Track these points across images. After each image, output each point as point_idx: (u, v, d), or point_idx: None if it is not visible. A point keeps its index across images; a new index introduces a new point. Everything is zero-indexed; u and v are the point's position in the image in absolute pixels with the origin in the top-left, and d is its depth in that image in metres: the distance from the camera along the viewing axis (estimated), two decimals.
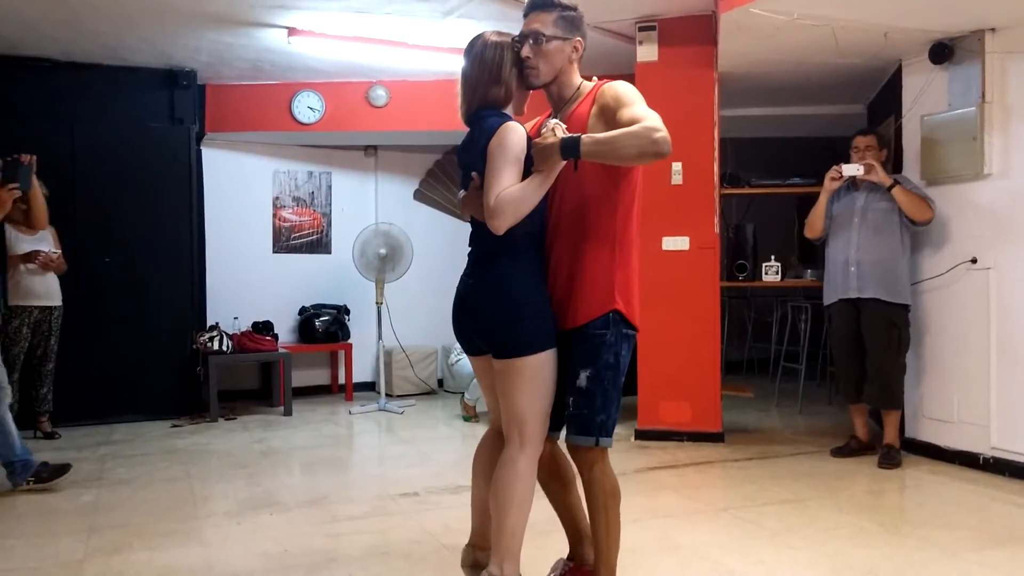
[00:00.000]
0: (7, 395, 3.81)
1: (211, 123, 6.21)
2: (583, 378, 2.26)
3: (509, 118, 2.29)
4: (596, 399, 2.26)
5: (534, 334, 2.26)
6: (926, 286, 4.43)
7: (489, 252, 2.32)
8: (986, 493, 3.81)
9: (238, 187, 6.62)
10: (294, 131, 6.25)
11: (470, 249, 2.43)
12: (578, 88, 2.37)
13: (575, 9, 2.36)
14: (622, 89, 2.25)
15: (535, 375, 2.26)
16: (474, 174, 2.27)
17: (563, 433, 2.39)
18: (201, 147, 6.30)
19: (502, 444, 2.43)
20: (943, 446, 4.36)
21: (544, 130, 2.20)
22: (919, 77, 4.54)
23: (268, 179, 6.78)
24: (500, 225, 2.16)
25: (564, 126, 2.21)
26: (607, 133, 2.11)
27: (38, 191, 4.30)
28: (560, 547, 2.67)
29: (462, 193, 2.38)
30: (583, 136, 2.12)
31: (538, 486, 2.42)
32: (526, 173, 2.22)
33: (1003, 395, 4.06)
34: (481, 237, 2.33)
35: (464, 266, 2.43)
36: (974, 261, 4.17)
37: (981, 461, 4.15)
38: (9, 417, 3.80)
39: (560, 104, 2.39)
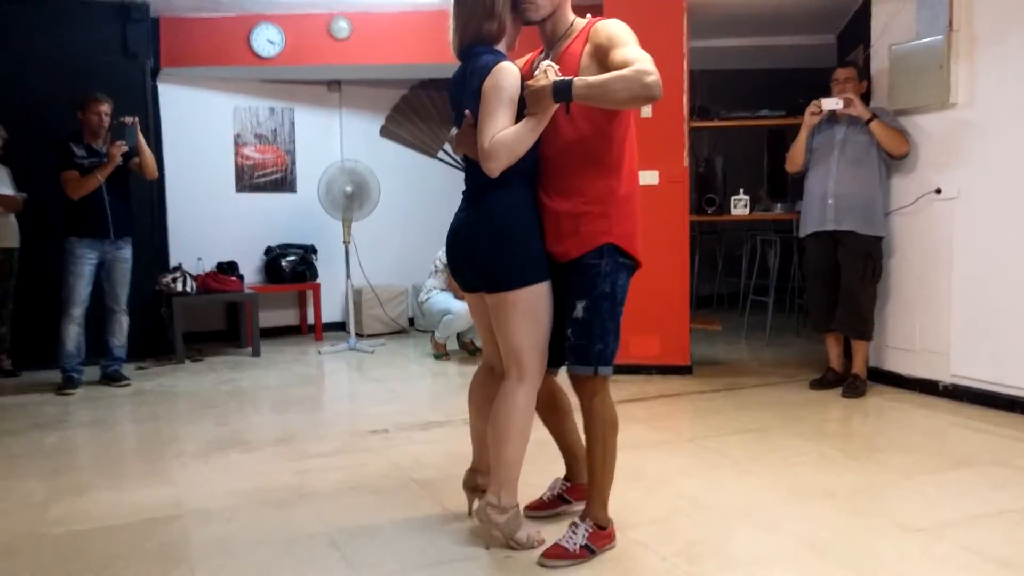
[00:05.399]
0: None
1: (166, 58, 5.99)
2: (579, 309, 2.29)
3: (503, 57, 2.27)
4: (594, 329, 2.29)
5: (525, 267, 2.28)
6: (893, 216, 4.45)
7: (481, 186, 2.30)
8: (945, 419, 3.90)
9: (197, 124, 6.45)
10: (254, 65, 6.05)
11: (465, 185, 2.44)
12: (571, 24, 2.35)
13: None
14: (615, 29, 2.22)
15: (528, 308, 2.28)
16: (467, 112, 2.26)
17: (562, 369, 2.44)
18: (157, 83, 6.10)
19: (494, 379, 2.49)
20: (905, 374, 4.44)
21: (537, 72, 2.17)
22: (888, 6, 4.48)
23: (228, 116, 6.60)
24: (494, 168, 2.17)
25: (556, 67, 2.18)
26: (598, 77, 2.09)
27: (144, 146, 4.90)
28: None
29: (455, 131, 2.37)
30: (575, 79, 2.10)
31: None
32: (519, 112, 2.20)
33: (963, 323, 4.13)
34: (474, 172, 2.33)
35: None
36: (938, 191, 4.19)
37: (941, 388, 4.24)
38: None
39: (553, 40, 2.37)
